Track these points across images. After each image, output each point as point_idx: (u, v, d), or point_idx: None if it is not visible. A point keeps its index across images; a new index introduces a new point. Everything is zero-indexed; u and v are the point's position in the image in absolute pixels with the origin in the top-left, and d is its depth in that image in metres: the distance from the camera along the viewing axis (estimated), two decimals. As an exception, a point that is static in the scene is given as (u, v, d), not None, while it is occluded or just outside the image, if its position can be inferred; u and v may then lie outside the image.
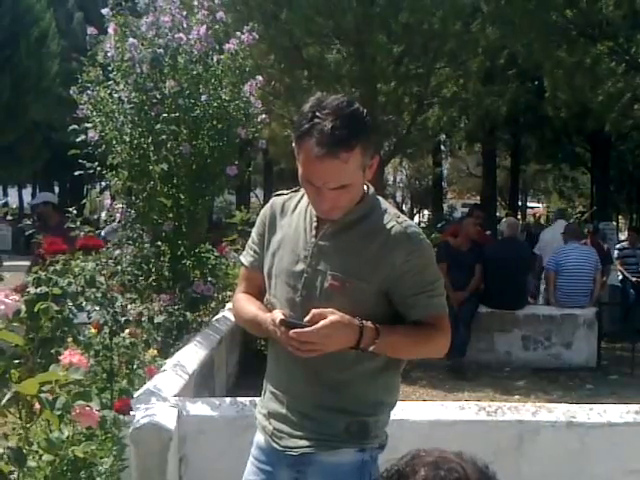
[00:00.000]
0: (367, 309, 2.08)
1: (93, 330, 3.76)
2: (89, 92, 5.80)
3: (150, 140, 5.69)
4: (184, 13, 5.88)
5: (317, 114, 1.98)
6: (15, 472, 2.14)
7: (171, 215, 5.80)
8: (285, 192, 2.31)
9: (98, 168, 5.73)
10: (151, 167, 5.73)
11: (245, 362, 6.77)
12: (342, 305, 2.04)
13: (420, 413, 3.63)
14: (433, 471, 1.41)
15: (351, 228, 2.12)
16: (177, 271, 5.81)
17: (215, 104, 5.78)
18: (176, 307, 5.44)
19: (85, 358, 2.43)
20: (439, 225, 18.84)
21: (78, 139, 5.73)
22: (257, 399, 2.32)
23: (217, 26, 5.96)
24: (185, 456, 3.47)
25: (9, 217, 32.48)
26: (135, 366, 3.94)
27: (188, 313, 5.60)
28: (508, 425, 3.57)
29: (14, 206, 38.80)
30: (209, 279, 5.94)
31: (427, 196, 36.25)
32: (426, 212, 38.37)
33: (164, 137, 5.59)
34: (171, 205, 5.76)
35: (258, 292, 2.29)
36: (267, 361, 2.27)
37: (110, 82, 5.81)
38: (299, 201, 2.23)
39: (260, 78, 6.10)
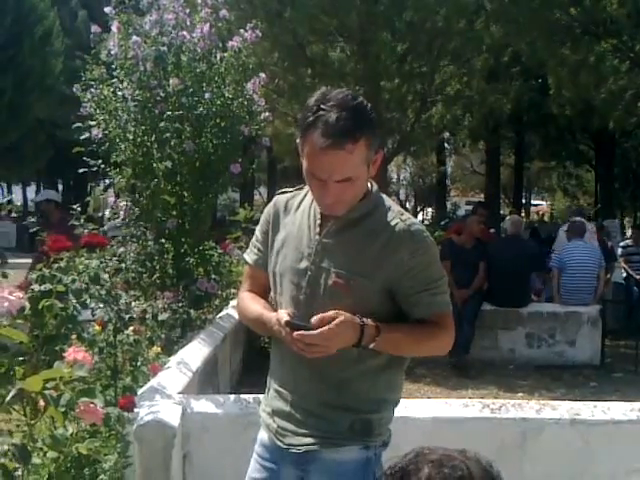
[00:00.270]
0: (371, 307, 2.08)
1: (97, 327, 3.76)
2: (93, 90, 5.81)
3: (154, 138, 5.70)
4: (187, 11, 5.89)
5: (322, 106, 1.98)
6: (19, 469, 2.14)
7: (175, 213, 5.81)
8: (289, 190, 2.31)
9: (102, 166, 5.74)
10: (155, 165, 5.74)
11: (249, 359, 6.77)
12: (346, 303, 2.04)
13: (424, 410, 3.63)
14: (437, 469, 1.41)
15: (355, 225, 2.11)
16: (181, 268, 5.81)
17: (219, 102, 5.78)
18: (180, 304, 5.45)
19: (89, 355, 2.44)
20: (443, 223, 18.85)
21: (82, 137, 5.75)
22: (261, 396, 2.32)
23: (220, 24, 5.96)
24: (189, 453, 3.48)
25: (13, 214, 32.56)
26: (139, 363, 3.94)
27: (192, 310, 5.60)
28: (512, 422, 3.57)
29: (18, 203, 38.87)
30: (213, 276, 5.95)
31: (431, 194, 36.19)
32: (430, 210, 38.33)
33: (168, 135, 5.60)
34: (175, 203, 5.76)
35: (262, 290, 2.29)
36: (270, 359, 2.27)
37: (114, 80, 5.82)
38: (303, 199, 2.23)
39: (263, 76, 6.11)
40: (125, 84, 5.76)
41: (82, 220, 4.64)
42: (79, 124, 5.78)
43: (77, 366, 2.19)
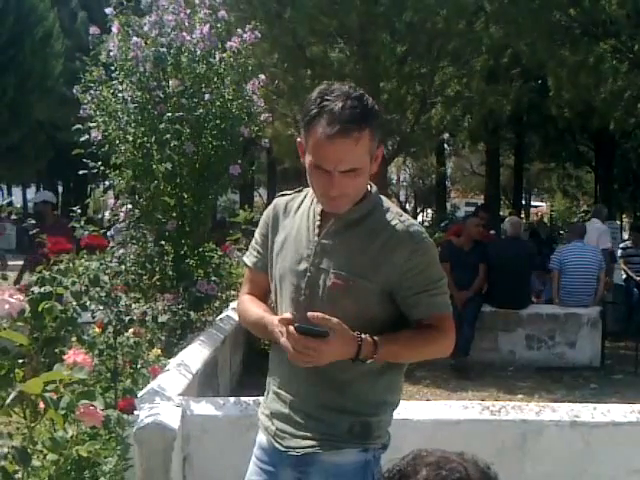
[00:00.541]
0: (370, 308, 2.08)
1: (97, 329, 3.76)
2: (92, 92, 5.82)
3: (153, 139, 5.70)
4: (187, 12, 5.89)
5: (326, 97, 1.99)
6: (19, 471, 2.14)
7: (175, 214, 5.81)
8: (288, 193, 2.31)
9: (102, 167, 5.74)
10: (155, 166, 5.74)
11: (249, 361, 6.77)
12: (345, 304, 2.05)
13: (424, 412, 3.63)
14: (435, 471, 1.41)
15: (354, 226, 2.11)
16: (181, 270, 5.81)
17: (218, 103, 5.79)
18: (180, 306, 5.46)
19: (89, 357, 2.43)
20: (442, 224, 18.85)
21: (82, 138, 5.75)
22: (261, 399, 2.32)
23: (219, 24, 5.97)
24: (189, 455, 3.48)
25: (13, 216, 32.51)
26: (139, 365, 3.94)
27: (192, 312, 5.61)
28: (512, 424, 3.57)
29: (18, 205, 38.84)
30: (213, 278, 5.95)
31: (431, 195, 36.18)
32: (430, 211, 38.34)
33: (168, 136, 5.60)
34: (175, 204, 5.77)
35: (262, 293, 2.29)
36: (269, 361, 2.27)
37: (113, 81, 5.83)
38: (302, 201, 2.23)
39: (263, 77, 6.12)
40: (125, 85, 5.77)
41: (82, 222, 4.64)
42: (79, 126, 5.78)
43: (77, 368, 2.18)
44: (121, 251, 5.59)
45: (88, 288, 3.40)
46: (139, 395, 3.53)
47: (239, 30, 6.05)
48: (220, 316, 6.10)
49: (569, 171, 30.66)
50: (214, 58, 5.88)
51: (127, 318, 3.94)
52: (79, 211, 4.73)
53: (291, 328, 1.97)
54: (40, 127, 23.30)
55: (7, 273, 2.99)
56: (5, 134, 20.93)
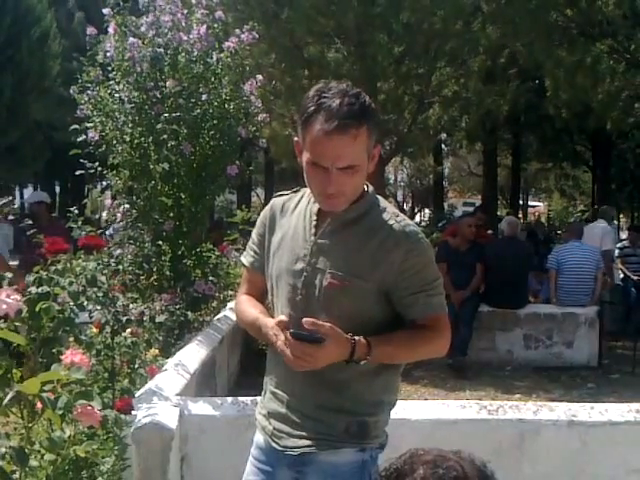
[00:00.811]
0: (367, 308, 2.08)
1: (95, 330, 3.76)
2: (89, 92, 5.81)
3: (151, 140, 5.70)
4: (185, 12, 5.89)
5: (323, 95, 2.01)
6: (17, 471, 2.14)
7: (172, 214, 5.81)
8: (285, 193, 2.32)
9: (99, 168, 5.74)
10: (152, 167, 5.74)
11: (246, 361, 6.77)
12: (341, 304, 2.05)
13: (421, 412, 3.63)
14: (431, 470, 1.42)
15: (350, 226, 2.12)
16: (178, 270, 5.81)
17: (215, 103, 5.79)
18: (177, 306, 5.45)
19: (87, 358, 2.44)
20: (440, 224, 18.84)
21: (79, 139, 5.74)
22: (258, 399, 2.32)
23: (216, 25, 5.96)
24: (187, 455, 3.48)
25: (11, 217, 32.46)
26: (136, 365, 3.94)
27: (189, 312, 5.61)
28: (509, 424, 3.57)
29: (15, 206, 38.77)
30: (210, 278, 5.94)
31: (428, 195, 36.23)
32: (427, 211, 38.36)
33: (165, 137, 5.59)
34: (172, 204, 5.76)
35: (259, 293, 2.30)
36: (267, 361, 2.27)
37: (110, 82, 5.82)
38: (299, 201, 2.24)
39: (260, 77, 6.11)
40: (122, 86, 5.77)
41: (79, 222, 4.64)
42: (76, 126, 5.77)
43: (74, 369, 2.19)
44: (118, 251, 5.59)
45: (85, 288, 3.40)
46: (137, 395, 3.53)
47: (237, 30, 6.04)
48: (218, 316, 6.10)
49: (566, 171, 30.68)
50: (211, 58, 5.88)
51: (124, 318, 3.95)
52: (76, 211, 4.72)
53: (287, 334, 1.98)
54: (37, 127, 23.24)
55: (6, 273, 2.99)
56: (2, 134, 20.89)
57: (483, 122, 15.86)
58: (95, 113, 5.79)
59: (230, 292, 6.35)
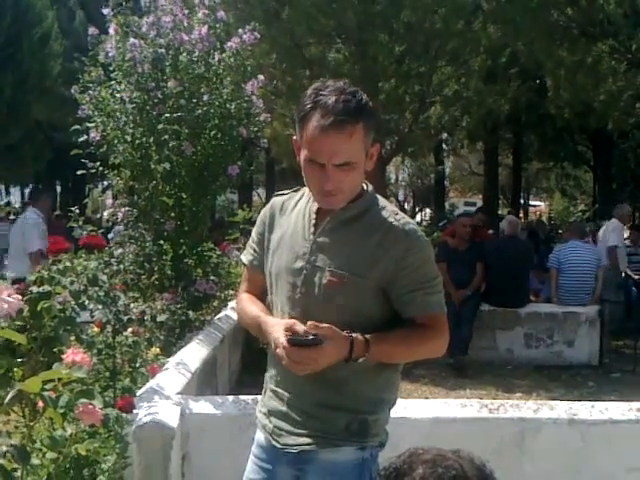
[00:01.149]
0: (366, 306, 2.09)
1: (96, 329, 3.77)
2: (91, 92, 5.82)
3: (152, 140, 5.70)
4: (186, 11, 5.89)
5: (320, 92, 2.02)
6: (19, 470, 2.14)
7: (173, 214, 5.82)
8: (285, 192, 2.33)
9: (100, 168, 5.75)
10: (153, 166, 5.75)
11: (248, 360, 6.77)
12: (341, 302, 2.06)
13: (422, 411, 3.64)
14: (431, 469, 1.42)
15: (349, 224, 2.13)
16: (179, 270, 5.82)
17: (217, 103, 5.79)
18: (178, 306, 5.46)
19: (88, 356, 2.44)
20: (441, 224, 18.83)
21: (80, 139, 5.75)
22: (259, 397, 2.33)
23: (217, 25, 5.97)
24: (188, 454, 3.49)
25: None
26: (138, 364, 3.95)
27: (190, 312, 5.61)
28: (510, 422, 3.58)
29: (17, 205, 38.78)
30: (211, 278, 5.95)
31: (429, 195, 36.20)
32: (428, 211, 38.33)
33: (166, 137, 5.60)
34: (173, 204, 5.77)
35: (260, 292, 2.30)
36: (267, 359, 2.28)
37: (112, 82, 5.83)
38: (299, 200, 2.25)
39: (262, 77, 6.11)
40: (123, 86, 5.77)
41: (80, 222, 4.65)
42: (77, 126, 5.78)
43: (76, 367, 2.19)
44: (120, 250, 5.59)
45: (87, 287, 3.41)
46: (138, 394, 3.53)
47: (240, 30, 6.04)
48: (219, 315, 6.11)
49: (567, 171, 30.68)
50: (213, 59, 5.88)
51: (126, 317, 3.94)
52: (77, 211, 4.73)
53: (284, 341, 1.98)
54: (38, 127, 23.24)
55: (7, 273, 3.00)
56: (3, 134, 20.89)
57: (484, 122, 15.88)
58: (96, 113, 5.80)
59: (231, 291, 6.36)
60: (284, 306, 2.14)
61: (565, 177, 32.99)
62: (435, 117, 14.75)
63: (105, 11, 5.85)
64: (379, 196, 2.21)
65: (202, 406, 3.62)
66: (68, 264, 3.19)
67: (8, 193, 38.21)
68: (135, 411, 3.17)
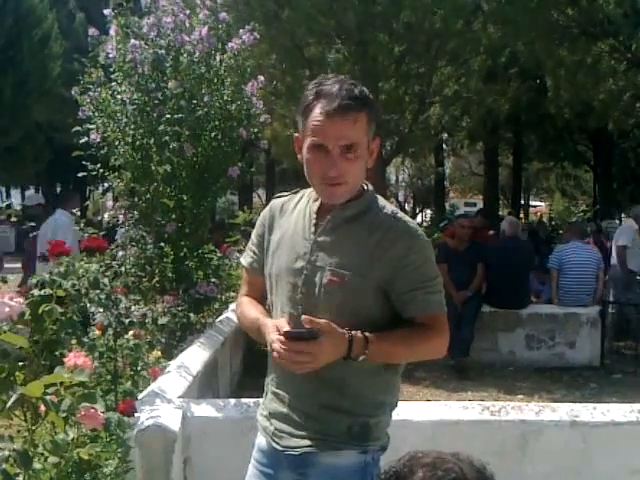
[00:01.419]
0: (366, 306, 2.08)
1: (97, 332, 3.76)
2: (91, 93, 5.81)
3: (153, 141, 5.70)
4: (187, 12, 5.89)
5: (323, 84, 2.05)
6: (21, 474, 2.14)
7: (174, 216, 5.81)
8: (284, 194, 2.33)
9: (101, 169, 5.74)
10: (154, 168, 5.74)
11: (249, 363, 6.77)
12: (341, 301, 2.06)
13: (423, 413, 3.64)
14: (430, 472, 1.42)
15: (350, 223, 2.13)
16: (180, 272, 5.81)
17: (217, 104, 5.79)
18: (180, 308, 5.46)
19: (89, 360, 2.44)
20: (441, 224, 18.84)
21: (81, 140, 5.75)
22: (261, 400, 2.32)
23: (220, 26, 5.97)
24: (189, 457, 3.48)
25: (13, 219, 32.47)
26: (139, 368, 3.94)
27: (192, 314, 5.61)
28: (512, 425, 3.58)
29: (17, 208, 38.78)
30: (212, 280, 5.94)
31: (429, 195, 36.21)
32: (429, 211, 38.34)
33: (167, 138, 5.60)
34: (174, 206, 5.76)
35: (260, 295, 2.30)
36: (268, 362, 2.27)
37: (112, 83, 5.82)
38: (298, 201, 2.25)
39: (262, 78, 6.11)
40: (124, 87, 5.77)
41: (82, 224, 4.65)
42: (78, 128, 5.78)
43: (77, 371, 2.19)
44: (121, 253, 5.59)
45: (88, 290, 3.40)
46: (139, 397, 3.53)
47: (240, 31, 6.04)
48: (220, 318, 6.11)
49: (568, 170, 30.69)
50: (214, 59, 5.88)
51: (127, 320, 3.94)
52: (78, 213, 4.73)
53: (280, 336, 1.98)
54: (38, 129, 23.28)
55: (7, 276, 2.99)
56: (4, 135, 20.92)
57: (484, 122, 15.89)
58: (97, 114, 5.79)
59: (232, 293, 6.35)
60: (284, 306, 2.14)
61: (565, 177, 33.02)
62: (435, 117, 14.78)
63: (106, 12, 5.84)
64: (379, 196, 2.22)
65: (204, 409, 3.62)
66: (70, 267, 3.18)
67: (8, 195, 38.21)
68: (137, 415, 3.16)
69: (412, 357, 2.26)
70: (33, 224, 7.30)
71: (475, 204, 35.13)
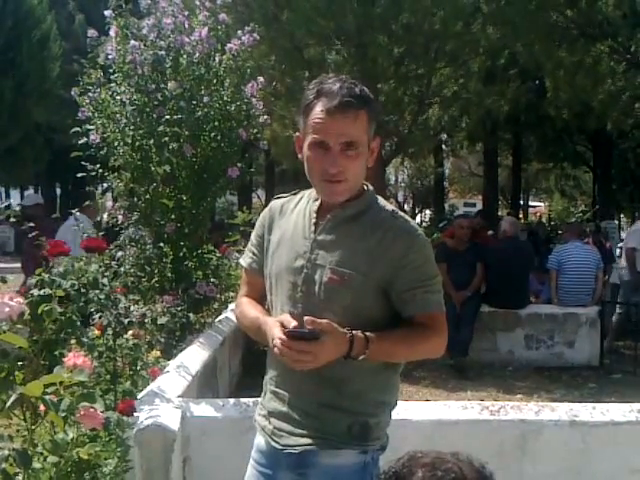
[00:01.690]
0: (366, 304, 2.09)
1: (96, 332, 3.76)
2: (90, 94, 5.82)
3: (152, 142, 5.70)
4: (186, 13, 5.89)
5: (324, 83, 2.07)
6: (20, 474, 2.14)
7: (173, 216, 5.81)
8: (284, 195, 2.33)
9: (100, 170, 5.75)
10: (153, 169, 5.75)
11: (248, 362, 6.77)
12: (341, 300, 2.06)
13: (423, 413, 3.64)
14: (430, 472, 1.42)
15: (350, 223, 2.13)
16: (180, 272, 5.82)
17: (217, 105, 5.79)
18: (179, 308, 5.45)
19: (89, 360, 2.44)
20: (441, 225, 18.84)
21: (80, 141, 5.75)
22: (260, 399, 2.32)
23: (219, 27, 5.97)
24: (189, 457, 3.48)
25: (12, 219, 32.40)
26: (139, 367, 3.94)
27: (191, 314, 5.61)
28: (511, 424, 3.58)
29: (17, 208, 38.73)
30: (212, 280, 5.95)
31: (429, 196, 36.21)
32: (428, 212, 38.33)
33: (166, 139, 5.60)
34: (173, 206, 5.77)
35: (259, 295, 2.31)
36: (267, 361, 2.27)
37: (112, 84, 5.83)
38: (298, 202, 2.26)
39: (261, 79, 6.11)
40: (123, 88, 5.77)
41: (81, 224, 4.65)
42: (77, 128, 5.78)
43: (77, 371, 2.19)
44: (120, 253, 5.59)
45: (87, 290, 3.40)
46: (139, 397, 3.53)
47: (239, 32, 6.04)
48: (219, 317, 6.11)
49: (567, 171, 30.69)
50: (213, 61, 5.89)
51: (126, 320, 3.94)
52: (77, 214, 4.73)
53: (282, 335, 1.98)
54: (38, 130, 23.27)
55: (7, 276, 2.99)
56: (3, 136, 20.92)
57: (483, 122, 15.89)
58: (96, 115, 5.80)
59: (231, 293, 6.36)
60: (284, 305, 2.14)
61: (565, 178, 33.02)
62: (434, 118, 14.76)
63: (106, 13, 5.84)
64: (379, 196, 2.23)
65: (203, 409, 3.62)
66: (69, 267, 3.19)
67: (8, 196, 38.18)
68: (136, 414, 3.16)
69: (411, 356, 2.27)
70: (32, 224, 7.27)
71: (474, 204, 35.15)
